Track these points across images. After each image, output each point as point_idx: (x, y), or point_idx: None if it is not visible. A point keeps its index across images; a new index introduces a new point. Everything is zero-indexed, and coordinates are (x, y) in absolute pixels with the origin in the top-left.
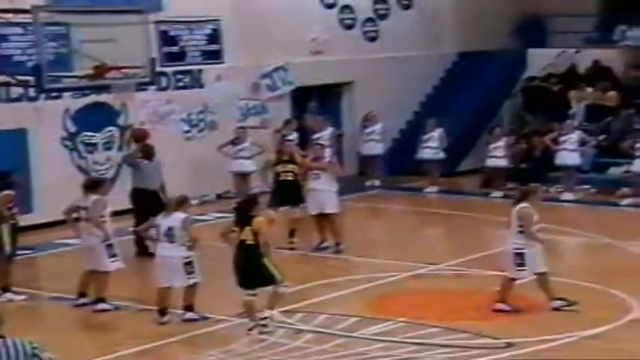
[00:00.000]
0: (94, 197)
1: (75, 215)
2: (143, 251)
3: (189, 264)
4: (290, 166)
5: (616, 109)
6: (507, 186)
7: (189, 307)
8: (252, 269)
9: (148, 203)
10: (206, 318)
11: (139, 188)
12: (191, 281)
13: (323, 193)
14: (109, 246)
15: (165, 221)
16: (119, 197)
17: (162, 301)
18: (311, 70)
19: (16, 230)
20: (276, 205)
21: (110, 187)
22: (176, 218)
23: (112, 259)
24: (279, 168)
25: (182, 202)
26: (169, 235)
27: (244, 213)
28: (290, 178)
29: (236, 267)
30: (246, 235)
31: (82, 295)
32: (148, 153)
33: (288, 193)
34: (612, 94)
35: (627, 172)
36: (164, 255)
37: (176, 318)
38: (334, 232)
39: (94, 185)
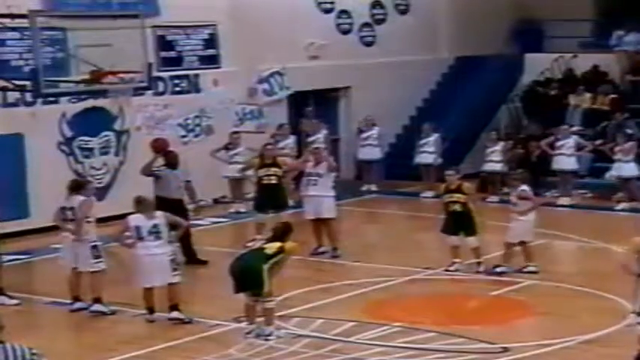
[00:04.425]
0: (80, 198)
1: (62, 216)
2: (193, 259)
3: (173, 261)
4: (273, 170)
5: (611, 114)
6: (504, 191)
7: (174, 307)
8: (253, 269)
9: (169, 211)
10: (190, 321)
11: (159, 197)
12: (175, 279)
13: (320, 198)
14: (94, 247)
15: (149, 221)
16: (116, 202)
17: (148, 301)
18: (308, 75)
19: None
20: (261, 210)
21: (94, 189)
22: (159, 215)
23: (96, 260)
24: (262, 172)
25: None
26: (155, 232)
27: (279, 239)
28: (273, 181)
29: (237, 268)
30: (271, 247)
31: (76, 299)
32: (172, 162)
33: (272, 197)
34: (609, 98)
35: (618, 178)
36: (150, 253)
37: (167, 322)
38: (331, 237)
39: (78, 186)
